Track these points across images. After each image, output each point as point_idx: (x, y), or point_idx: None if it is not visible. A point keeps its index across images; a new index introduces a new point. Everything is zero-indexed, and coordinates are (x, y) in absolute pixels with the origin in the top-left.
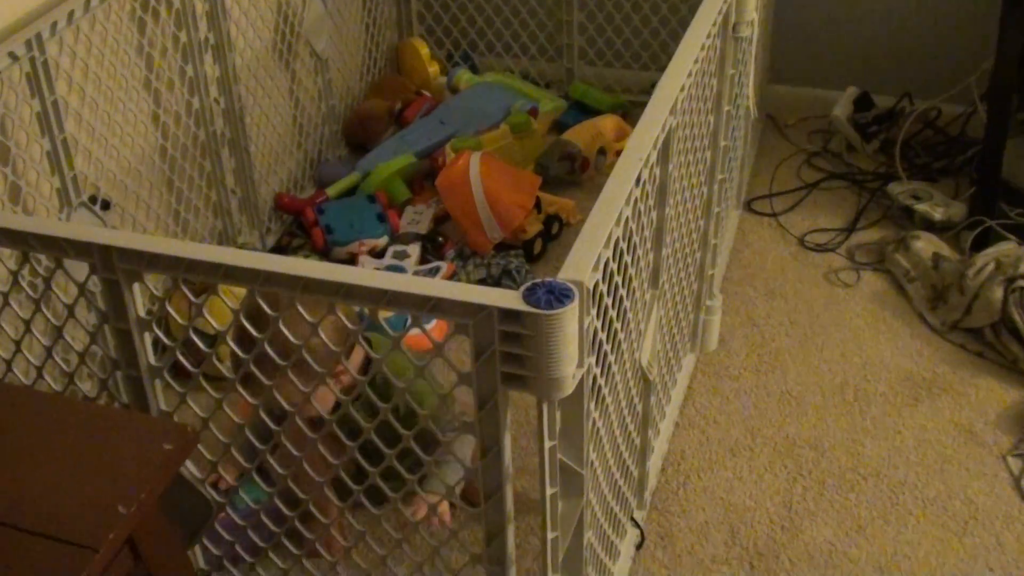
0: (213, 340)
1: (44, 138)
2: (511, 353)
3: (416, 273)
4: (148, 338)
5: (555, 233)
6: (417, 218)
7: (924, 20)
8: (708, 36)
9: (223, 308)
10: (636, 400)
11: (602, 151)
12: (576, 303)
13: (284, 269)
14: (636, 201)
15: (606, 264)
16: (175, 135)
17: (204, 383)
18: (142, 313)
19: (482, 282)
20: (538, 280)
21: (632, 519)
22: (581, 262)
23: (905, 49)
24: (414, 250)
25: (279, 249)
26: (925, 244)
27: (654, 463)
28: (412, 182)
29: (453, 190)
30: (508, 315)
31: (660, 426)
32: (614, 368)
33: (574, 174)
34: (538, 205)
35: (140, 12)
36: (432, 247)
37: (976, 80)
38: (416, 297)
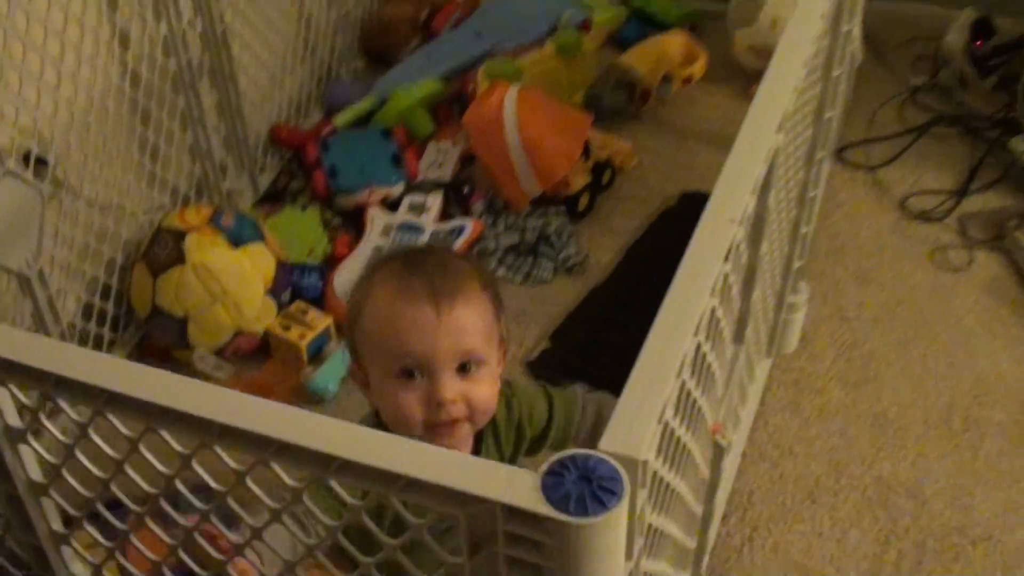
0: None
1: None
2: (523, 559)
3: (436, 233)
4: (47, 502)
5: (605, 183)
6: (440, 158)
7: None
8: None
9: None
10: (705, 470)
11: (666, 78)
12: (625, 501)
13: (187, 408)
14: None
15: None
16: (137, 71)
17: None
18: (35, 475)
19: (514, 248)
20: (567, 456)
21: None
22: (634, 426)
23: None
24: (434, 201)
25: (274, 194)
26: None
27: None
28: (437, 109)
29: (483, 132)
30: (518, 515)
31: (724, 463)
32: (681, 459)
33: (632, 106)
34: (586, 150)
35: None
36: (456, 198)
37: None
38: (379, 472)
